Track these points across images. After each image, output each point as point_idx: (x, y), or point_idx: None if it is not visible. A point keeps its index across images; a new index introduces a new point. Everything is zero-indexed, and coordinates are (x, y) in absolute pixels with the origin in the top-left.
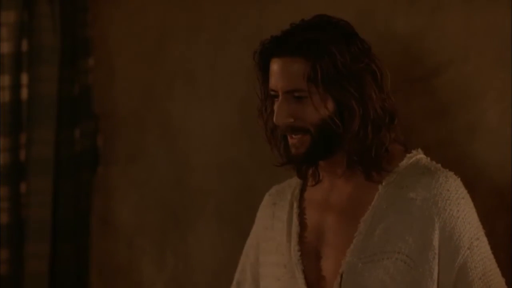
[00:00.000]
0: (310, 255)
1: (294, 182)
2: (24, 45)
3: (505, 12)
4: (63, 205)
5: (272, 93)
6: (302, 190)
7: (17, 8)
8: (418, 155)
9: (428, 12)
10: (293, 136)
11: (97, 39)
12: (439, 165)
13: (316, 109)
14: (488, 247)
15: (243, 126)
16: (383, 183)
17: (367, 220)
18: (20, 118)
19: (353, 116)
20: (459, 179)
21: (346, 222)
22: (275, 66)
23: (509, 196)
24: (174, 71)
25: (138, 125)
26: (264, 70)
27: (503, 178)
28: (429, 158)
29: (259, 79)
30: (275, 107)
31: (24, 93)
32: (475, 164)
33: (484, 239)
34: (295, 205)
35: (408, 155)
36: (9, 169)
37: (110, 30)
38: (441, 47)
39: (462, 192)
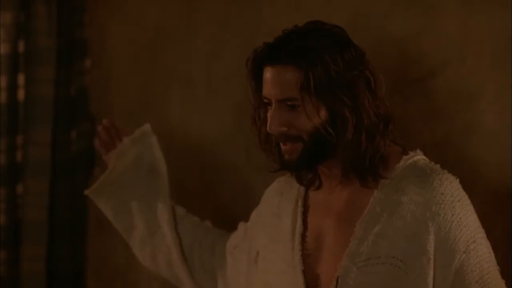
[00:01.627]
0: (310, 256)
1: None
2: (21, 46)
3: (502, 13)
4: (59, 206)
5: (265, 100)
6: (307, 188)
7: (14, 9)
8: (416, 157)
9: (425, 14)
10: (286, 143)
11: (94, 40)
12: (438, 165)
13: (309, 118)
14: (486, 250)
15: (240, 128)
16: (379, 187)
17: (362, 225)
18: (17, 119)
19: (346, 125)
20: (457, 180)
21: (344, 226)
22: (268, 74)
23: (506, 197)
24: (170, 73)
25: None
26: (257, 78)
27: (500, 179)
28: (426, 159)
29: (252, 87)
30: (268, 115)
31: (21, 94)
32: (472, 165)
33: (482, 242)
34: (299, 203)
35: (404, 157)
36: (5, 170)
37: (107, 32)
38: (438, 49)
39: (458, 194)
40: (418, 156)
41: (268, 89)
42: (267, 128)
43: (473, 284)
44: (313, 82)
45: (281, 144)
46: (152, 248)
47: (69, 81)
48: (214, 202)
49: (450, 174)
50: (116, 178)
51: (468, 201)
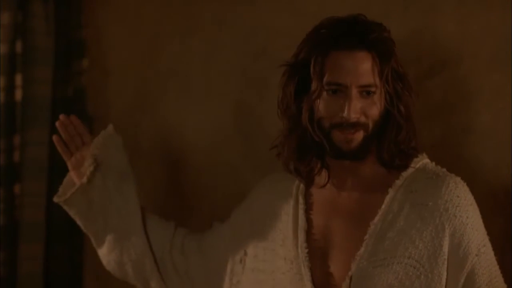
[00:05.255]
0: (316, 254)
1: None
2: (18, 47)
3: (501, 13)
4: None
5: (333, 87)
6: (307, 185)
7: (11, 9)
8: (424, 160)
9: (423, 14)
10: (349, 131)
11: (91, 40)
12: (445, 169)
13: (379, 106)
14: (492, 253)
15: (237, 128)
16: (392, 187)
17: (377, 224)
18: (14, 119)
19: (401, 115)
20: (466, 184)
21: (355, 225)
22: (343, 60)
23: (505, 197)
24: (168, 72)
25: (132, 127)
26: (319, 62)
27: (498, 179)
28: (433, 163)
29: (316, 73)
30: (328, 101)
31: (18, 94)
32: (469, 166)
33: (489, 245)
34: (301, 200)
35: (414, 159)
36: (3, 171)
37: (104, 32)
38: (436, 49)
39: (470, 198)
40: (426, 160)
41: (345, 75)
42: (345, 114)
43: (483, 286)
44: (387, 72)
45: (339, 133)
46: (120, 255)
47: (67, 81)
48: (211, 202)
49: (460, 178)
50: (90, 188)
51: (477, 206)
